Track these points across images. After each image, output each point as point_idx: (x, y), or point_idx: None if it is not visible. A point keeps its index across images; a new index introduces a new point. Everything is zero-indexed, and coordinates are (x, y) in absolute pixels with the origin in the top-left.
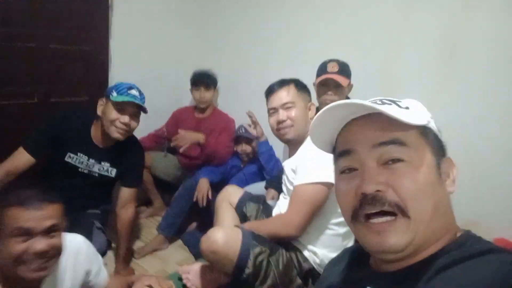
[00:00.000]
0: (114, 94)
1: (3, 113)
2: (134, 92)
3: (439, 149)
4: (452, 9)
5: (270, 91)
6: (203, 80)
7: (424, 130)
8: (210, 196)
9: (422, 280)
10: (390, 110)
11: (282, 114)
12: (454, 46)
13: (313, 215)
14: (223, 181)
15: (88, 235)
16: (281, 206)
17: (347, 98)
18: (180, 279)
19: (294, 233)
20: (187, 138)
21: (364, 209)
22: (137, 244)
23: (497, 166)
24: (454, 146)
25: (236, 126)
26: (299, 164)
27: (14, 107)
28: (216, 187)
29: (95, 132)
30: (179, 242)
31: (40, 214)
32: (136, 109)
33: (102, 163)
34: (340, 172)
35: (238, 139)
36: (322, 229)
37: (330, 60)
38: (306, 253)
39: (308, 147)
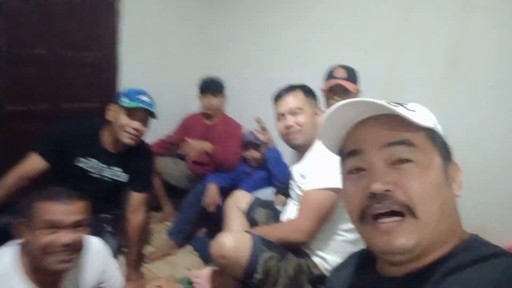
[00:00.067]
0: (125, 99)
1: (15, 119)
2: (144, 97)
3: (445, 152)
4: (452, 9)
5: (278, 97)
6: (211, 87)
7: (431, 133)
8: (219, 202)
9: (429, 284)
10: (401, 111)
11: (290, 120)
12: (457, 48)
13: (323, 221)
14: (232, 187)
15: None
16: (289, 211)
17: None
18: (190, 283)
19: (303, 239)
20: (194, 147)
21: (372, 209)
22: (147, 249)
23: (503, 170)
24: (458, 150)
25: (245, 132)
26: (308, 169)
27: (25, 112)
28: (225, 193)
29: (105, 138)
30: (189, 247)
31: (68, 209)
32: (146, 115)
33: (113, 168)
34: (348, 172)
35: (247, 145)
36: (332, 235)
37: (338, 66)
38: (315, 259)
39: (316, 152)
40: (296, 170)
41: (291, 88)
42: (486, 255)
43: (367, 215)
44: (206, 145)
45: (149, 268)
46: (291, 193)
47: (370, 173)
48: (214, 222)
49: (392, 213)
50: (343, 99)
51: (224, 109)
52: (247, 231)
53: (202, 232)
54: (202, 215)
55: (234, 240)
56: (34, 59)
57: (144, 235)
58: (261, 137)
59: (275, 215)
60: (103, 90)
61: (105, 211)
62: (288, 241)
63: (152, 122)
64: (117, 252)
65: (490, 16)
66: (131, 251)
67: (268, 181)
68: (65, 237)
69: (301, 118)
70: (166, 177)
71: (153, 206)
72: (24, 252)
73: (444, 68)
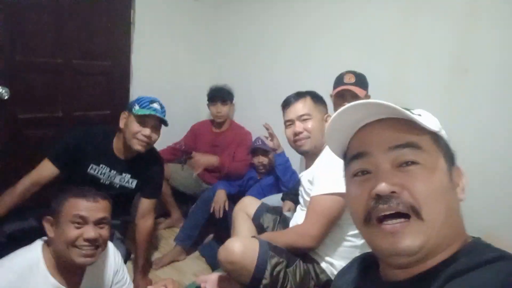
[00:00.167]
0: (137, 107)
1: (29, 126)
2: (155, 105)
3: (449, 156)
4: (456, 12)
5: (286, 104)
6: (219, 95)
7: (436, 137)
8: (227, 208)
9: None
10: (408, 113)
11: (298, 126)
12: (461, 51)
13: (330, 226)
14: (240, 193)
15: None
16: (298, 217)
17: None
18: None
19: (311, 244)
20: (201, 162)
21: (377, 211)
22: (155, 255)
23: (506, 172)
24: (462, 152)
25: (253, 138)
26: (316, 175)
27: (38, 120)
28: (233, 199)
29: (116, 144)
30: (196, 253)
31: (95, 206)
32: (157, 122)
33: (123, 175)
34: (353, 175)
35: (255, 151)
36: (339, 241)
37: (347, 72)
38: (323, 265)
39: (324, 158)
40: (304, 176)
41: (299, 95)
42: (490, 258)
43: (372, 217)
44: (212, 159)
45: (157, 274)
46: (300, 199)
47: (376, 175)
48: (222, 228)
49: (397, 215)
50: None
51: (233, 117)
52: (254, 237)
53: (209, 238)
54: (210, 221)
55: (242, 246)
56: (47, 67)
57: (152, 241)
58: (269, 143)
59: (283, 221)
60: (115, 98)
61: (114, 217)
62: (296, 247)
63: (163, 128)
64: (126, 258)
65: (494, 19)
66: (139, 257)
67: (276, 187)
68: (90, 232)
69: (309, 125)
70: (174, 183)
71: (162, 212)
72: (48, 249)
73: (448, 71)
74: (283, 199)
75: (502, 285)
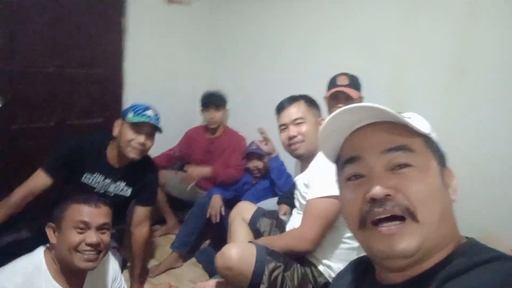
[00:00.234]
0: (130, 115)
1: (21, 136)
2: (149, 112)
3: (441, 158)
4: (456, 13)
5: (280, 108)
6: (212, 101)
7: (428, 139)
8: (223, 212)
9: None
10: (400, 117)
11: (292, 130)
12: (461, 51)
13: (327, 229)
14: (235, 198)
15: None
16: (294, 221)
17: None
18: None
19: (308, 248)
20: (194, 175)
21: (373, 214)
22: (152, 263)
23: (506, 172)
24: (462, 152)
25: (248, 143)
26: (312, 179)
27: (31, 130)
28: (229, 204)
29: (110, 153)
30: (193, 259)
31: (97, 212)
32: (151, 129)
33: (118, 183)
34: (346, 179)
35: (250, 155)
36: (337, 243)
37: (340, 74)
38: (321, 268)
39: (319, 161)
40: (300, 179)
41: (293, 99)
42: (487, 258)
43: (367, 221)
44: (205, 171)
45: (153, 282)
46: (296, 203)
47: (370, 179)
48: (218, 233)
49: (393, 218)
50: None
51: (227, 122)
52: (251, 242)
53: (206, 244)
54: (206, 227)
55: (239, 252)
56: (39, 76)
57: (148, 249)
58: (264, 147)
59: (279, 225)
60: (108, 105)
61: None
62: (293, 250)
63: (157, 135)
64: (122, 266)
65: (494, 19)
66: (136, 265)
67: (271, 191)
68: (92, 237)
69: (304, 128)
70: (169, 190)
71: (157, 219)
72: (51, 254)
73: (448, 72)
74: (278, 202)
75: (502, 285)
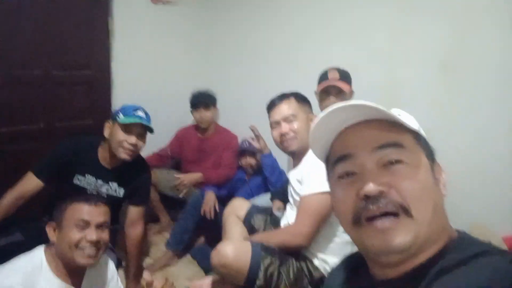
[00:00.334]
0: (121, 116)
1: (11, 139)
2: (140, 113)
3: (430, 153)
4: (450, 11)
5: (271, 105)
6: (202, 101)
7: (417, 135)
8: (217, 209)
9: (422, 286)
10: (392, 114)
11: (284, 127)
12: (455, 50)
13: (321, 224)
14: (229, 195)
15: None
16: (288, 217)
17: None
18: None
19: (303, 243)
20: (185, 183)
21: (366, 212)
22: (147, 262)
23: (503, 170)
24: (458, 151)
25: (240, 141)
26: (305, 175)
27: (20, 133)
28: (223, 201)
29: (102, 154)
30: (188, 257)
31: (97, 210)
32: (142, 130)
33: (110, 184)
34: (338, 177)
35: (242, 153)
36: (331, 237)
37: (331, 68)
38: (316, 262)
39: (312, 157)
40: (292, 175)
41: (284, 96)
42: (475, 253)
43: (361, 218)
44: (196, 177)
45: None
46: (289, 198)
47: (362, 176)
48: (212, 230)
49: (386, 215)
50: (338, 99)
51: (218, 121)
52: (246, 239)
53: (201, 241)
54: (201, 224)
55: (234, 249)
56: (25, 80)
57: (143, 248)
58: (256, 144)
59: (274, 221)
60: (97, 107)
61: None
62: (288, 246)
63: (148, 135)
64: (117, 266)
65: (488, 18)
66: (131, 265)
67: (264, 187)
68: (92, 235)
69: (295, 125)
70: (162, 188)
71: (151, 218)
72: (51, 252)
73: (442, 70)
74: (272, 198)
75: (490, 280)
